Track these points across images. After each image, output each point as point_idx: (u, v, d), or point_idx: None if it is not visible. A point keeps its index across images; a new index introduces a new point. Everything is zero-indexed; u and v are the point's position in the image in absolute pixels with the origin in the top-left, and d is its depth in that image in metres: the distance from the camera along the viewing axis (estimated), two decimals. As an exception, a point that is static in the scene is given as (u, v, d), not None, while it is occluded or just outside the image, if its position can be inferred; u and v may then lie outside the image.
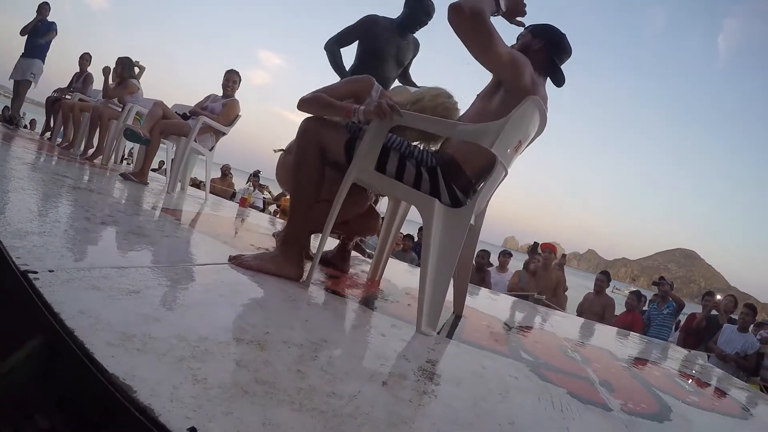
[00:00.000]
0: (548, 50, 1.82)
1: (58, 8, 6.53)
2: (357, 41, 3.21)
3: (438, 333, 1.64)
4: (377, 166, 1.69)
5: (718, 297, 6.72)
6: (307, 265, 1.82)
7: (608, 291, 6.48)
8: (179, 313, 1.09)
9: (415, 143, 1.80)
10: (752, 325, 5.88)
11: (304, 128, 1.80)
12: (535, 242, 6.75)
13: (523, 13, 1.83)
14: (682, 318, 6.79)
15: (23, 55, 6.53)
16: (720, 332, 5.81)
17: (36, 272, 1.04)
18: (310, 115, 1.86)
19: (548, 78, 1.87)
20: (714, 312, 6.33)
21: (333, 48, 3.22)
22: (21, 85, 6.61)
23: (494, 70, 1.75)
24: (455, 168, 1.72)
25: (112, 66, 5.54)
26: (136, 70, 5.90)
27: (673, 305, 6.23)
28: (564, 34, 1.87)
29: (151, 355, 0.82)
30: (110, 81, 5.64)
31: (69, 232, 1.53)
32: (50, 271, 1.08)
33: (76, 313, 0.89)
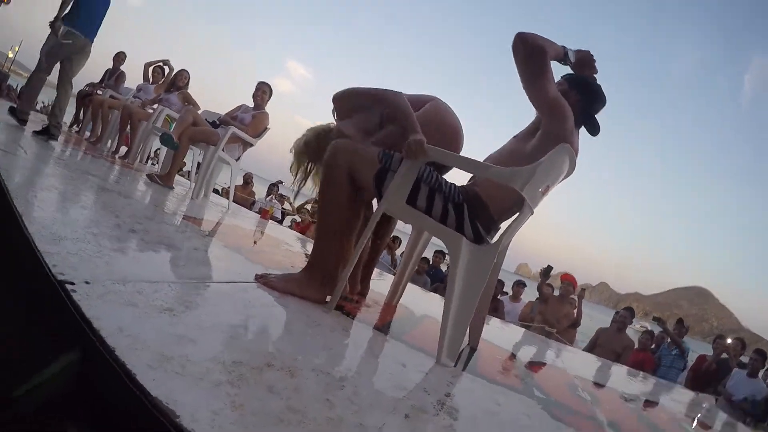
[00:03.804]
0: (584, 103, 1.84)
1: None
2: None
3: (455, 365, 1.65)
4: (408, 199, 1.71)
5: (729, 341, 6.61)
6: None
7: (632, 328, 6.17)
8: (212, 335, 1.11)
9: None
10: (762, 370, 5.76)
11: (336, 149, 1.77)
12: (548, 266, 6.40)
13: (594, 70, 1.90)
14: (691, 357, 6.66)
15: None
16: (729, 376, 5.73)
17: (73, 283, 1.05)
18: (341, 138, 1.88)
19: (582, 127, 1.89)
20: (724, 355, 6.21)
21: None
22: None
23: (538, 105, 1.78)
24: (480, 205, 1.74)
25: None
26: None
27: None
28: (599, 86, 1.89)
29: (188, 378, 0.84)
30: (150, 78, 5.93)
31: (100, 239, 1.55)
32: (86, 282, 1.10)
33: (115, 330, 0.91)
